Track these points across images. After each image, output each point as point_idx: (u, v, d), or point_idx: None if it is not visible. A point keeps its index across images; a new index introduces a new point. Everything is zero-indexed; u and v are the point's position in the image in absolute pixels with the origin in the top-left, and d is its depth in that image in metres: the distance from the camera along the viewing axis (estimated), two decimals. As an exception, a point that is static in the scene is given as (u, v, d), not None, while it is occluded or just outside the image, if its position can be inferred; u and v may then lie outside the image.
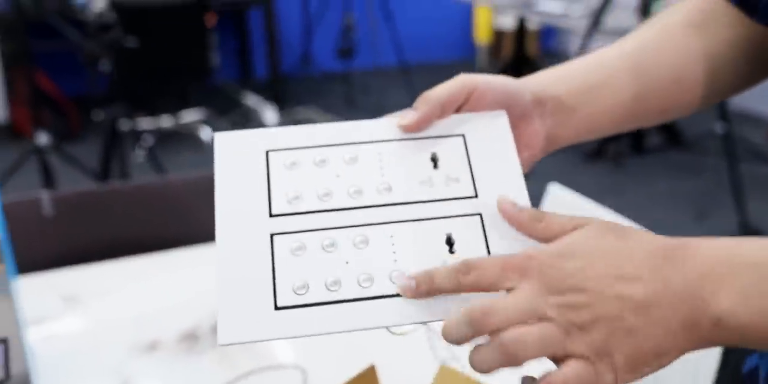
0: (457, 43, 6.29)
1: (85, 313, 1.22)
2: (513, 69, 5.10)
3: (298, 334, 0.52)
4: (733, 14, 0.70)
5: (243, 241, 0.56)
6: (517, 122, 0.63)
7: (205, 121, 4.42)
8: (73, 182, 3.28)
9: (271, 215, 0.57)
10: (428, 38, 6.12)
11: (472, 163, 0.60)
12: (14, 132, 4.33)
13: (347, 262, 0.55)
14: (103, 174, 2.96)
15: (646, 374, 0.50)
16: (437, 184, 0.59)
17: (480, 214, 0.58)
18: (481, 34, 6.16)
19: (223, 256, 0.56)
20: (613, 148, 3.90)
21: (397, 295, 0.54)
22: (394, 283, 0.54)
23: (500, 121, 0.62)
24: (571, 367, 0.48)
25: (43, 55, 4.43)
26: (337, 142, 0.61)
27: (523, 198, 0.59)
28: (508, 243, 0.56)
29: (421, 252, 0.56)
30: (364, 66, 5.55)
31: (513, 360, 0.49)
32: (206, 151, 4.18)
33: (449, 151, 0.61)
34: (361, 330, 0.53)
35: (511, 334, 0.49)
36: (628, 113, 0.69)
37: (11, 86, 4.38)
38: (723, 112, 3.26)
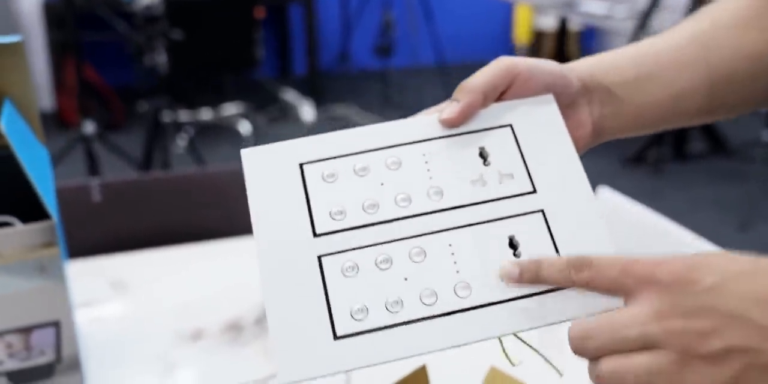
0: (496, 43, 6.26)
1: (132, 299, 1.23)
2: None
3: (362, 364, 0.49)
4: None
5: (289, 267, 0.52)
6: (563, 109, 0.58)
7: (244, 115, 4.45)
8: (117, 171, 3.32)
9: (315, 235, 0.52)
10: (467, 37, 6.10)
11: (524, 155, 0.56)
12: (61, 121, 4.39)
13: (406, 279, 0.51)
14: (146, 163, 2.99)
15: None
16: (490, 182, 0.54)
17: (542, 211, 0.53)
18: (521, 35, 6.13)
19: (270, 287, 0.51)
20: (654, 154, 3.85)
21: (465, 310, 0.50)
22: (459, 296, 0.50)
23: (549, 107, 0.57)
24: None
25: (90, 45, 4.49)
26: (376, 147, 0.55)
27: (584, 189, 0.55)
28: (578, 241, 0.52)
29: (484, 259, 0.52)
30: (402, 64, 5.55)
31: None
32: (244, 145, 4.21)
33: (498, 144, 0.56)
34: (431, 352, 0.49)
35: (609, 366, 0.43)
36: (678, 108, 0.65)
37: (59, 76, 4.44)
38: (770, 119, 3.21)
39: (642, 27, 3.44)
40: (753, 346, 0.41)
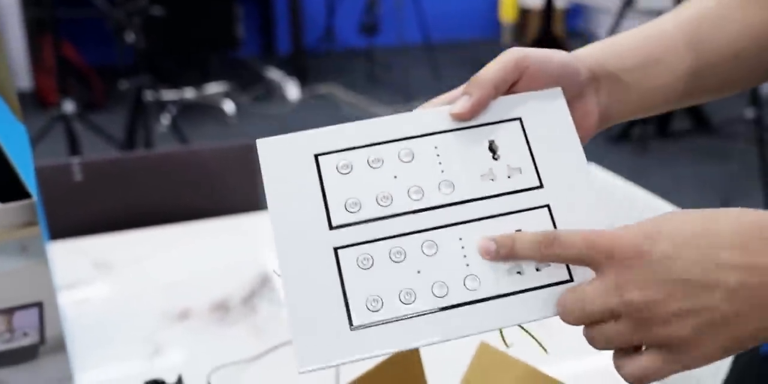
0: (482, 22, 6.24)
1: (117, 280, 1.21)
2: (540, 47, 5.04)
3: (377, 352, 0.51)
4: None
5: (307, 258, 0.52)
6: (571, 101, 0.59)
7: (228, 94, 4.41)
8: (98, 150, 3.28)
9: (331, 227, 0.53)
10: (453, 16, 6.07)
11: (532, 149, 0.57)
12: (39, 100, 4.33)
13: (419, 271, 0.53)
14: (128, 143, 2.95)
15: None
16: (499, 176, 0.55)
17: (548, 206, 0.55)
18: (507, 13, 6.10)
19: (289, 278, 0.52)
20: (638, 132, 3.85)
21: (474, 302, 0.52)
22: (469, 289, 0.52)
23: (557, 101, 0.58)
24: (649, 358, 0.48)
25: (68, 23, 4.42)
26: (389, 139, 0.56)
27: (588, 185, 0.56)
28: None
29: None
30: (387, 43, 5.50)
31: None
32: (228, 124, 4.18)
33: (507, 138, 0.57)
34: (440, 342, 0.51)
35: (586, 332, 0.50)
36: (685, 90, 0.65)
37: (36, 54, 4.38)
38: (754, 97, 3.20)
39: (629, 4, 3.42)
40: (702, 306, 0.46)
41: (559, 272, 0.53)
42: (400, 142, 0.56)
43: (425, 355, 0.77)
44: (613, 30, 3.50)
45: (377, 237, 0.53)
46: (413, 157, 0.56)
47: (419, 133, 0.56)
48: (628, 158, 3.77)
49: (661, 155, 3.81)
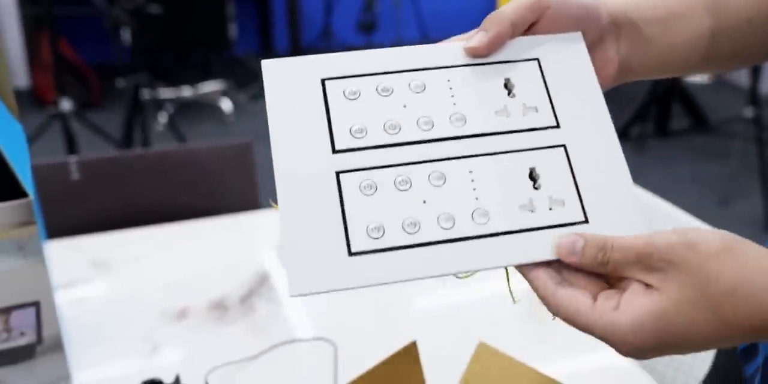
0: (480, 17, 6.20)
1: (115, 279, 1.21)
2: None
3: (375, 281, 0.48)
4: None
5: (306, 182, 0.50)
6: (591, 46, 0.57)
7: (225, 92, 4.40)
8: (96, 149, 3.27)
9: (334, 151, 0.51)
10: (450, 13, 6.06)
11: (550, 90, 0.55)
12: (36, 98, 4.32)
13: (424, 202, 0.50)
14: (126, 141, 2.95)
15: None
16: (514, 113, 0.54)
17: (564, 146, 0.53)
18: (505, 11, 6.11)
19: (285, 201, 0.50)
20: (636, 131, 3.85)
21: (482, 237, 0.50)
22: (477, 223, 0.50)
23: (577, 45, 0.56)
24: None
25: (65, 21, 4.41)
26: (401, 69, 0.54)
27: (609, 129, 0.55)
28: (596, 177, 0.53)
29: (504, 188, 0.51)
30: (385, 40, 5.50)
31: None
32: (226, 122, 4.17)
33: (524, 77, 0.55)
34: (442, 276, 0.49)
35: None
36: (702, 51, 0.63)
37: (34, 52, 4.36)
38: (753, 97, 3.20)
39: None
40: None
41: (573, 212, 0.51)
42: (411, 72, 0.54)
43: (425, 355, 0.76)
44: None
45: (382, 164, 0.51)
46: (424, 89, 0.54)
47: (432, 66, 0.55)
48: (627, 157, 3.63)
49: (660, 154, 3.81)
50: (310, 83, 0.53)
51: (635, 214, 0.52)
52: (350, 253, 0.48)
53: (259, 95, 4.58)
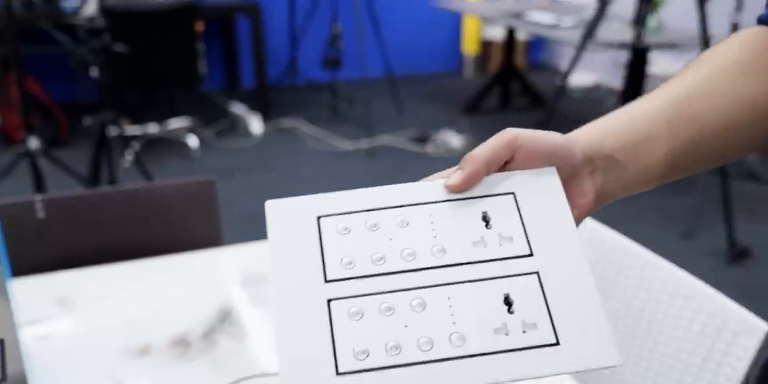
0: (445, 54, 6.33)
1: (78, 316, 1.22)
2: (500, 81, 5.15)
3: None
4: None
5: (300, 307, 0.56)
6: (566, 181, 0.61)
7: (192, 129, 4.43)
8: (63, 187, 3.28)
9: (326, 281, 0.57)
10: (415, 49, 6.16)
11: (524, 221, 0.59)
12: (5, 137, 4.32)
13: (406, 326, 0.55)
14: (93, 179, 2.96)
15: None
16: (491, 243, 0.58)
17: (537, 273, 0.57)
18: (469, 45, 6.20)
19: (282, 323, 0.55)
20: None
21: (459, 358, 0.54)
22: (454, 345, 0.54)
23: (551, 178, 0.61)
24: None
25: (32, 59, 4.43)
26: (387, 206, 0.60)
27: (580, 257, 0.59)
28: (568, 302, 0.56)
29: (480, 313, 0.55)
30: (350, 76, 5.58)
31: None
32: (192, 158, 4.19)
33: (500, 209, 0.60)
34: None
35: None
36: (679, 164, 0.66)
37: (1, 91, 4.37)
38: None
39: (589, 36, 3.49)
40: None
41: (545, 335, 0.55)
42: (397, 209, 0.60)
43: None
44: (574, 62, 3.58)
45: (369, 292, 0.56)
46: (408, 224, 0.59)
47: (416, 202, 0.60)
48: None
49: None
50: (308, 220, 0.60)
51: (606, 337, 0.55)
52: (337, 373, 0.53)
53: (226, 131, 4.61)
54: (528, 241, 0.59)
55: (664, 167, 0.65)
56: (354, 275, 0.57)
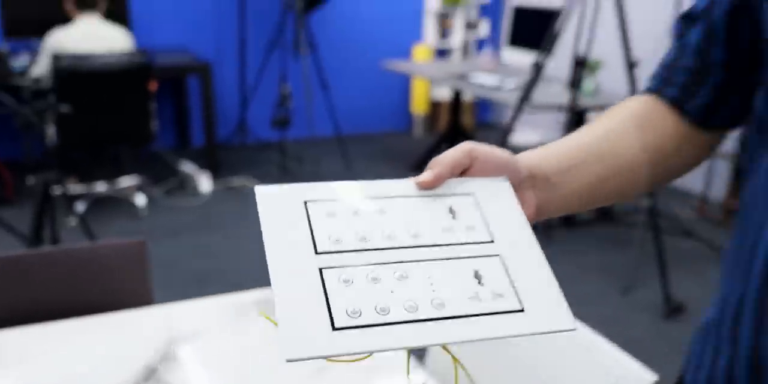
0: (395, 114, 6.42)
1: (11, 376, 1.21)
2: (448, 140, 5.24)
3: (353, 351, 0.58)
4: (670, 117, 0.84)
5: (295, 276, 0.62)
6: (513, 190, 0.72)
7: (140, 187, 4.42)
8: (7, 247, 3.24)
9: (317, 253, 0.64)
10: (365, 109, 6.24)
11: (484, 215, 0.70)
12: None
13: (392, 292, 0.62)
14: (35, 239, 2.93)
15: None
16: (458, 231, 0.68)
17: (499, 255, 0.68)
18: (418, 105, 6.30)
19: (279, 290, 0.61)
20: (543, 221, 3.98)
21: (440, 319, 0.62)
22: (435, 309, 0.62)
23: (503, 184, 0.73)
24: None
25: (-24, 119, 4.41)
26: (366, 196, 0.69)
27: (533, 242, 0.69)
28: (528, 277, 0.67)
29: (454, 284, 0.65)
30: (299, 135, 5.63)
31: None
32: (140, 218, 4.17)
33: (463, 205, 0.70)
34: (411, 348, 0.60)
35: None
36: (594, 193, 0.79)
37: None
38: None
39: (525, 99, 3.60)
40: None
41: (512, 303, 0.64)
42: (375, 199, 0.69)
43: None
44: (512, 123, 3.68)
45: (355, 264, 0.64)
46: (385, 212, 0.68)
47: (391, 195, 0.70)
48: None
49: (567, 244, 3.94)
50: (296, 204, 0.67)
51: (564, 307, 0.66)
52: (333, 328, 0.59)
53: (175, 190, 4.60)
54: (489, 230, 0.69)
55: (582, 195, 0.78)
56: (342, 249, 0.64)
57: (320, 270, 0.62)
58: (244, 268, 3.47)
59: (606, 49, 4.09)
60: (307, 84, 4.94)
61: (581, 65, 3.67)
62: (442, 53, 6.35)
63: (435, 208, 0.69)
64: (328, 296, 0.61)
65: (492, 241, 0.68)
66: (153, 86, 4.05)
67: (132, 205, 4.28)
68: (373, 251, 0.65)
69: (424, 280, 0.64)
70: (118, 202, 4.33)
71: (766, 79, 0.69)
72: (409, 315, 0.61)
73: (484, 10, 6.39)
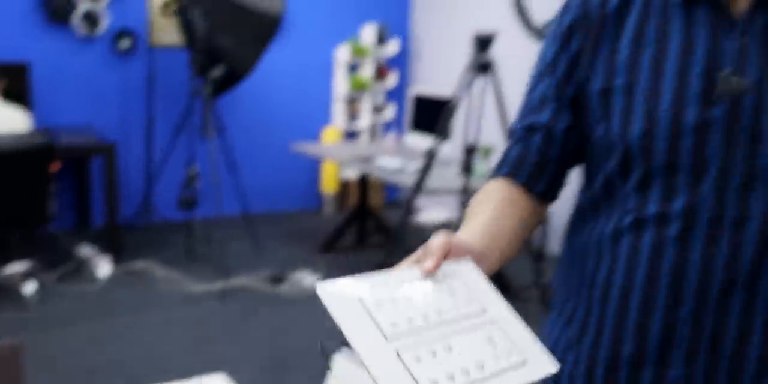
0: (305, 193, 6.39)
1: None
2: (357, 219, 5.22)
3: None
4: (524, 194, 1.16)
5: (381, 358, 0.78)
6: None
7: (31, 274, 4.21)
8: None
9: (386, 339, 0.80)
10: (274, 188, 6.19)
11: (470, 290, 0.91)
12: None
13: (448, 362, 0.80)
14: None
15: None
16: (461, 306, 0.88)
17: (495, 322, 0.89)
18: (328, 184, 6.30)
19: (375, 371, 0.76)
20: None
21: (483, 379, 0.81)
22: (480, 370, 0.82)
23: (472, 264, 0.95)
24: None
25: None
26: (395, 286, 0.87)
27: (507, 305, 0.92)
28: (517, 335, 0.88)
29: (482, 348, 0.84)
30: (207, 214, 5.50)
31: None
32: (27, 307, 3.94)
33: (455, 285, 0.91)
34: None
35: None
36: (501, 255, 1.06)
37: None
38: (537, 266, 3.36)
39: (419, 185, 3.69)
40: None
41: (517, 358, 0.86)
42: (400, 288, 0.87)
43: None
44: (408, 205, 3.73)
45: (415, 344, 0.81)
46: (411, 298, 0.86)
47: (407, 281, 0.88)
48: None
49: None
50: (353, 299, 0.83)
51: (544, 352, 0.88)
52: None
53: (70, 275, 4.40)
54: (479, 302, 0.90)
55: (496, 257, 1.04)
56: (401, 332, 0.81)
57: (397, 353, 0.79)
58: (143, 358, 3.32)
59: (495, 135, 4.21)
60: (213, 166, 4.86)
61: (471, 152, 3.92)
62: (351, 135, 6.40)
63: (440, 290, 0.89)
64: (412, 372, 0.77)
65: (485, 311, 0.89)
66: (55, 167, 3.92)
67: (19, 295, 4.05)
68: (424, 330, 0.83)
69: (463, 349, 0.82)
70: (6, 291, 4.10)
71: (590, 170, 1.14)
72: (466, 379, 0.79)
73: (390, 95, 6.51)
